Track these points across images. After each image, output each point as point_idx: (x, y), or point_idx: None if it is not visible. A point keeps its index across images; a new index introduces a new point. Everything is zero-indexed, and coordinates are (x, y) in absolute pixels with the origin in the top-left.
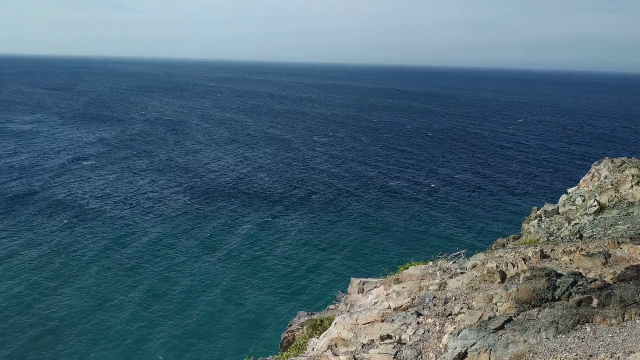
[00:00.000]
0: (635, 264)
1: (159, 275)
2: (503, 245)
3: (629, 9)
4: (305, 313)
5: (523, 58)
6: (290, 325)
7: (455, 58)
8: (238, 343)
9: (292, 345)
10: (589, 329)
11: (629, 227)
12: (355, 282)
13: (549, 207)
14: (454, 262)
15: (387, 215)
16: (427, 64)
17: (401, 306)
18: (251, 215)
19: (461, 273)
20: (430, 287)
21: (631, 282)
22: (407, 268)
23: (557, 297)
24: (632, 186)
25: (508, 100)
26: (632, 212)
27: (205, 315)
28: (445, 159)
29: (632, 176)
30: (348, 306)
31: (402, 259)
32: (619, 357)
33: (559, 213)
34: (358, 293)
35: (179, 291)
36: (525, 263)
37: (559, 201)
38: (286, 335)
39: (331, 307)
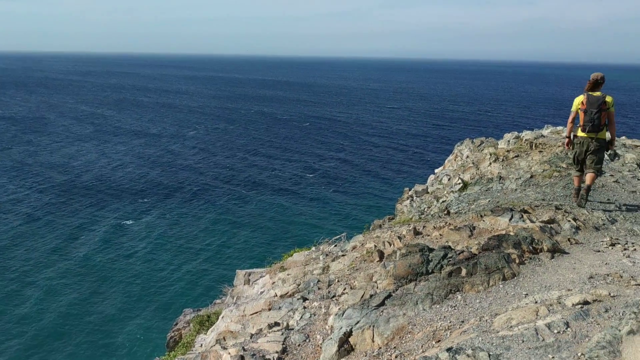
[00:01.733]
0: (496, 234)
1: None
2: (380, 226)
3: (484, 1)
4: (191, 310)
5: (389, 47)
6: (176, 324)
7: (328, 48)
8: (119, 349)
9: (179, 344)
10: (459, 297)
11: (489, 201)
12: (240, 273)
13: (419, 187)
14: (336, 245)
15: (266, 207)
16: (302, 54)
17: (287, 293)
18: (116, 216)
19: (342, 255)
20: (315, 272)
21: (493, 251)
22: (292, 255)
23: (430, 271)
24: (490, 164)
25: (375, 88)
26: (492, 187)
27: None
28: (319, 148)
29: (490, 154)
30: (235, 298)
31: (286, 248)
32: (486, 320)
33: (428, 192)
34: (244, 284)
35: (28, 305)
36: (400, 241)
37: (428, 181)
38: (172, 334)
39: (218, 301)
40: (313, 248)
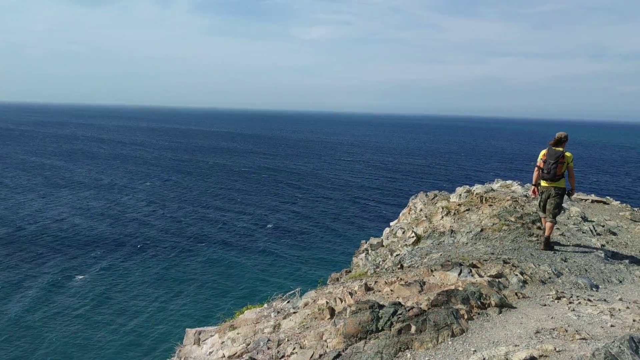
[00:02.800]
0: (445, 289)
1: None
2: (337, 279)
3: (441, 59)
4: None
5: (347, 101)
6: None
7: (289, 102)
8: None
9: None
10: (409, 355)
11: (441, 254)
12: (190, 332)
13: (374, 240)
14: (288, 301)
15: (223, 259)
16: (264, 107)
17: (235, 353)
18: (57, 271)
19: (294, 312)
20: (265, 330)
21: (442, 307)
22: (243, 312)
23: (380, 328)
24: (442, 217)
25: (334, 141)
26: (444, 241)
27: None
28: (275, 201)
29: (442, 208)
30: (182, 359)
31: (240, 303)
32: None
33: (383, 245)
34: (194, 344)
35: None
36: (351, 297)
37: (383, 234)
38: None
39: None
40: (265, 305)
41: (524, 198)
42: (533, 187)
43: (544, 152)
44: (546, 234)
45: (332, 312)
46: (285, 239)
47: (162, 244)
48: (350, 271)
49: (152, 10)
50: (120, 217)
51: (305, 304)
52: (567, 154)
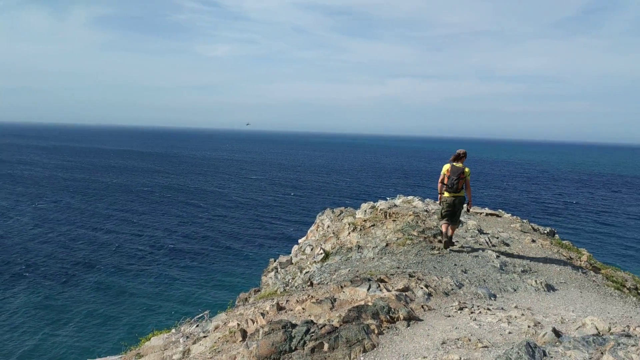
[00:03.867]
0: (355, 304)
1: None
2: (246, 299)
3: (343, 79)
4: None
5: (254, 119)
6: None
7: (195, 119)
8: None
9: None
10: None
11: (349, 270)
12: None
13: (283, 258)
14: (198, 325)
15: (115, 285)
16: (167, 124)
17: None
18: None
19: (204, 337)
20: (174, 357)
21: (354, 323)
22: (149, 339)
23: (294, 348)
24: (349, 233)
25: (239, 159)
26: (351, 257)
27: None
28: (179, 219)
29: (349, 224)
30: None
31: (145, 330)
32: None
33: (292, 263)
34: None
35: None
36: (264, 317)
37: (292, 252)
38: None
39: None
40: (173, 330)
41: (425, 213)
42: (439, 195)
43: (447, 167)
44: (450, 234)
45: (244, 334)
46: (186, 261)
47: (49, 270)
48: (259, 290)
49: (46, 22)
50: (0, 242)
51: (216, 327)
52: (466, 169)
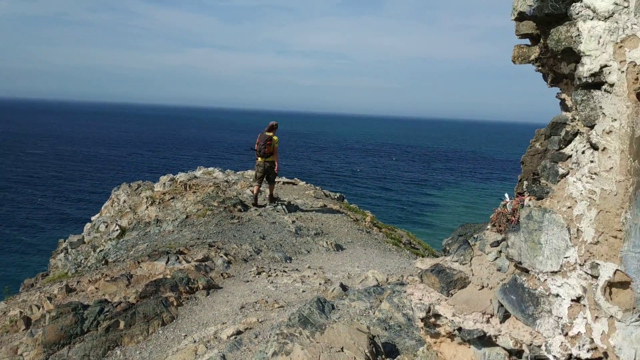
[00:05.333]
0: (153, 279)
1: None
2: (32, 285)
3: (138, 46)
4: None
5: (41, 87)
6: None
7: None
8: None
9: None
10: (119, 352)
11: (147, 245)
12: None
13: (74, 237)
14: None
15: None
16: None
17: None
18: None
19: None
20: None
21: (151, 297)
22: None
23: (86, 330)
24: (147, 207)
25: (21, 132)
26: (149, 231)
27: None
28: None
29: (147, 198)
30: None
31: None
32: None
33: (85, 242)
34: None
35: None
36: (50, 302)
37: (84, 230)
38: None
39: None
40: None
41: (225, 183)
42: (256, 160)
43: (260, 135)
44: (270, 192)
45: (28, 321)
46: None
47: None
48: (47, 274)
49: None
50: None
51: None
52: (275, 138)
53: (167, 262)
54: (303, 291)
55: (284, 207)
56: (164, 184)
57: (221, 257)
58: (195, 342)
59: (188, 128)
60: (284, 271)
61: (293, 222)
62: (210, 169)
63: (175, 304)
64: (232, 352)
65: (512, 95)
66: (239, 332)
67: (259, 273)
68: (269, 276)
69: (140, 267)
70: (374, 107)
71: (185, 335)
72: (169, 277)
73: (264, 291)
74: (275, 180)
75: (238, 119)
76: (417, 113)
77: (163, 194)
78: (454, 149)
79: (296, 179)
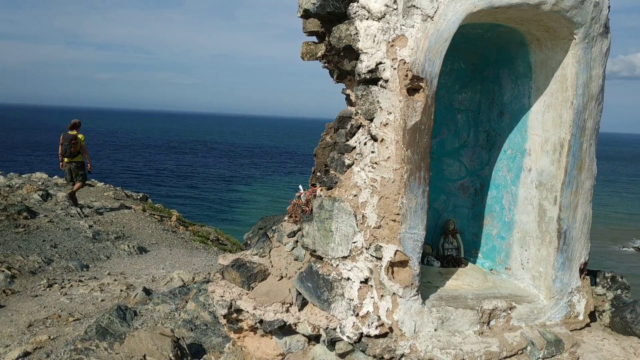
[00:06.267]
0: None
1: None
2: None
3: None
4: None
5: None
6: None
7: None
8: None
9: None
10: None
11: None
12: None
13: None
14: None
15: None
16: None
17: None
18: None
19: None
20: None
21: None
22: None
23: None
24: None
25: None
26: None
27: None
28: None
29: None
30: None
31: None
32: None
33: None
34: None
35: None
36: None
37: None
38: None
39: None
40: None
41: (7, 188)
42: (61, 162)
43: (62, 135)
44: (74, 188)
45: None
46: None
47: None
48: None
49: None
50: None
51: None
52: (80, 136)
53: None
54: (102, 300)
55: (78, 210)
56: None
57: (2, 271)
58: None
59: None
60: (80, 281)
61: (90, 226)
62: None
63: None
64: None
65: (311, 93)
66: (26, 354)
67: (50, 285)
68: (62, 288)
69: None
70: (180, 103)
71: None
72: None
73: (57, 305)
74: (86, 181)
75: (20, 115)
76: (221, 109)
77: None
78: (258, 145)
79: (93, 180)
